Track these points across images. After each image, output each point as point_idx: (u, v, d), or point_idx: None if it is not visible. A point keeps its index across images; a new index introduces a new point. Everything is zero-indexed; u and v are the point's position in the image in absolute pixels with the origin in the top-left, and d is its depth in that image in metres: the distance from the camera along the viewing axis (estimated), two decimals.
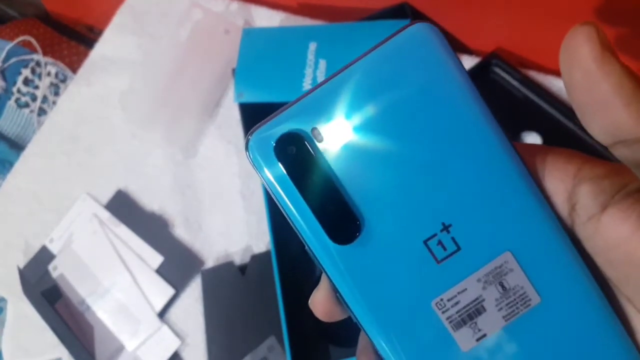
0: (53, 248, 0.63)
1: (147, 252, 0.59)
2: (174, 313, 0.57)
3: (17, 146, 0.85)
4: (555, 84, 0.53)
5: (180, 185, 0.62)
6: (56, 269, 0.61)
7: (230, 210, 0.59)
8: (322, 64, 0.55)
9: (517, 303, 0.16)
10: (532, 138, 0.52)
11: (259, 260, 0.55)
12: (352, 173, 0.16)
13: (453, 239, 0.16)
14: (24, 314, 0.60)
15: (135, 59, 0.70)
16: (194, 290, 0.57)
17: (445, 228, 0.16)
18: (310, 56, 0.56)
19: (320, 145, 0.16)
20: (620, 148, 0.14)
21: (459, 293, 0.16)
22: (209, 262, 0.57)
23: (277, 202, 0.16)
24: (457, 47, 0.59)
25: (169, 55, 0.66)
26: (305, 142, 0.16)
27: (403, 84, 0.15)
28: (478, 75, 0.55)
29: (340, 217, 0.16)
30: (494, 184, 0.16)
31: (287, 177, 0.16)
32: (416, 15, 0.57)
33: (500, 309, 0.16)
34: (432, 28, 0.16)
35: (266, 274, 0.53)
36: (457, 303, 0.16)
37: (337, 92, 0.16)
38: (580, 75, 0.13)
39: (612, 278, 0.16)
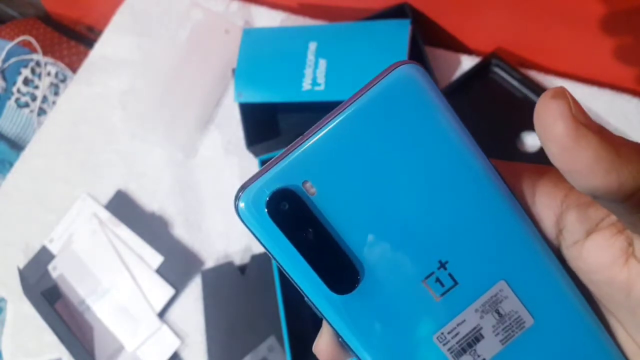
0: (53, 248, 0.63)
1: (147, 252, 0.59)
2: (174, 313, 0.57)
3: (17, 146, 0.85)
4: (555, 84, 0.53)
5: (180, 185, 0.62)
6: (56, 269, 0.61)
7: (230, 210, 0.58)
8: (322, 64, 0.55)
9: (513, 326, 0.17)
10: (532, 138, 0.52)
11: (259, 260, 0.55)
12: (346, 223, 0.16)
13: (450, 275, 0.17)
14: (24, 314, 0.60)
15: (135, 59, 0.70)
16: (194, 290, 0.57)
17: (442, 265, 0.16)
18: (310, 56, 0.56)
19: (312, 199, 0.16)
20: (602, 202, 0.14)
21: (458, 325, 0.17)
22: (209, 262, 0.57)
23: (273, 259, 0.16)
24: (457, 47, 0.59)
25: (169, 55, 0.66)
26: (298, 197, 0.16)
27: (390, 131, 0.16)
28: (478, 75, 0.55)
29: (339, 268, 0.16)
30: (485, 218, 0.16)
31: (281, 234, 0.16)
32: (416, 15, 0.57)
33: (497, 334, 0.17)
34: (417, 70, 0.16)
35: (266, 274, 0.53)
36: (457, 334, 0.17)
37: (326, 144, 0.16)
38: (557, 149, 0.14)
39: (594, 294, 0.17)
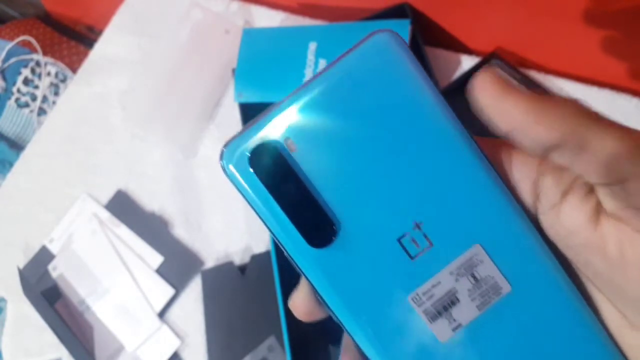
0: (53, 248, 0.63)
1: (147, 252, 0.59)
2: (174, 313, 0.57)
3: (17, 146, 0.85)
4: (556, 84, 0.53)
5: (180, 185, 0.62)
6: (56, 269, 0.61)
7: (230, 210, 0.59)
8: (322, 63, 0.55)
9: (489, 292, 0.17)
10: None
11: (259, 260, 0.55)
12: (325, 179, 0.17)
13: (425, 235, 0.17)
14: (24, 314, 0.60)
15: (135, 59, 0.70)
16: (194, 290, 0.57)
17: (417, 226, 0.17)
18: (310, 56, 0.56)
19: (293, 155, 0.17)
20: (552, 157, 0.15)
21: (433, 286, 0.17)
22: (209, 262, 0.57)
23: (254, 211, 0.17)
24: (457, 47, 0.59)
25: (169, 55, 0.66)
26: (279, 153, 0.16)
27: (368, 93, 0.16)
28: None
29: (316, 221, 0.17)
30: (461, 181, 0.17)
31: (262, 187, 0.17)
32: (416, 15, 0.57)
33: (474, 299, 0.17)
34: (393, 36, 0.17)
35: (266, 274, 0.53)
36: (432, 296, 0.17)
37: (308, 104, 0.16)
38: (492, 112, 0.16)
39: (573, 261, 0.17)
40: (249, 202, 0.17)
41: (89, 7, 0.89)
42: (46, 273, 0.61)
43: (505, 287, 0.17)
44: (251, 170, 0.16)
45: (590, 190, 0.16)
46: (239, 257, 0.57)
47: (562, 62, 0.54)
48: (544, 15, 0.49)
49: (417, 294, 0.17)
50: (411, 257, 0.17)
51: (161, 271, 0.58)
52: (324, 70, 0.17)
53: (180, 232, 0.60)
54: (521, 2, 0.49)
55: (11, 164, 0.71)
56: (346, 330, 0.17)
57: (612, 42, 0.48)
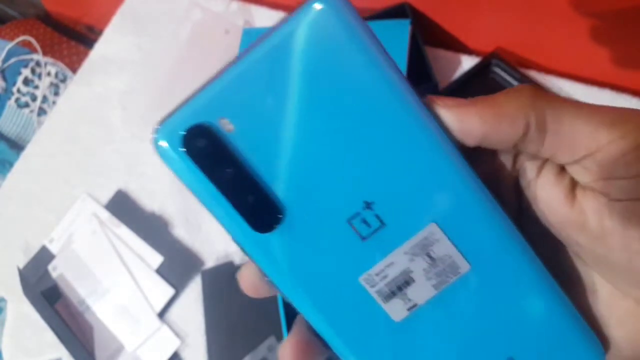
0: (53, 248, 0.63)
1: (147, 252, 0.59)
2: (174, 313, 0.57)
3: (17, 146, 0.85)
4: (555, 84, 0.53)
5: (180, 185, 0.61)
6: (56, 269, 0.61)
7: None
8: None
9: (447, 272, 0.16)
10: None
11: None
12: (266, 160, 0.15)
13: (376, 215, 0.16)
14: (24, 314, 0.60)
15: (135, 59, 0.70)
16: (194, 290, 0.57)
17: (368, 205, 0.16)
18: None
19: (229, 136, 0.15)
20: (522, 149, 0.16)
21: (386, 267, 0.16)
22: (209, 262, 0.57)
23: (194, 196, 0.16)
24: (457, 47, 0.59)
25: (169, 56, 0.66)
26: (214, 134, 0.15)
27: (309, 64, 0.15)
28: (478, 75, 0.55)
29: (259, 206, 0.16)
30: (414, 157, 0.16)
31: (199, 171, 0.15)
32: (416, 15, 0.57)
33: (430, 278, 0.16)
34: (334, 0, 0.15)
35: None
36: (385, 277, 0.16)
37: (242, 79, 0.15)
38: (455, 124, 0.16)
39: (560, 239, 0.17)
40: (187, 187, 0.16)
41: (89, 7, 0.89)
42: (46, 273, 0.61)
43: (464, 266, 0.16)
44: (185, 154, 0.15)
45: (563, 168, 0.16)
46: (239, 257, 0.57)
47: (562, 62, 0.54)
48: (544, 15, 0.49)
49: (370, 275, 0.16)
50: (362, 238, 0.16)
51: (161, 271, 0.58)
52: (260, 39, 0.15)
53: (180, 232, 0.60)
54: (521, 2, 0.49)
55: (11, 164, 0.71)
56: (296, 309, 0.17)
57: (612, 42, 0.48)
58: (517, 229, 0.16)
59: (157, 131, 0.15)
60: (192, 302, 0.57)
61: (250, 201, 0.16)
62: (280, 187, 0.16)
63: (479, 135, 0.15)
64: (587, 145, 0.15)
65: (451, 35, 0.59)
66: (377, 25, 0.55)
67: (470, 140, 0.16)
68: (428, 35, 0.57)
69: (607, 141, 0.14)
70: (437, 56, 0.58)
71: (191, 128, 0.15)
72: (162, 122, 0.15)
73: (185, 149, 0.15)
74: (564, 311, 0.17)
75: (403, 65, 0.51)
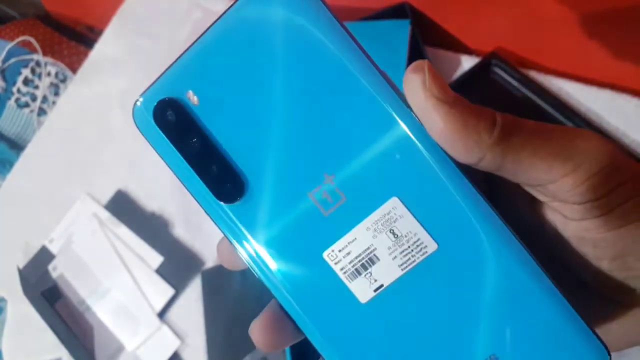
0: (53, 248, 0.63)
1: (147, 252, 0.59)
2: (174, 313, 0.57)
3: (17, 146, 0.85)
4: (555, 84, 0.53)
5: (180, 185, 0.62)
6: (56, 269, 0.61)
7: None
8: None
9: (413, 251, 0.16)
10: None
11: None
12: (230, 132, 0.16)
13: (337, 189, 0.16)
14: (24, 314, 0.60)
15: (136, 59, 0.70)
16: (194, 290, 0.57)
17: (329, 179, 0.16)
18: None
19: (195, 108, 0.16)
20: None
21: (349, 243, 0.16)
22: (209, 262, 0.57)
23: (168, 167, 0.17)
24: (457, 47, 0.59)
25: (169, 55, 0.66)
26: (181, 107, 0.16)
27: (269, 37, 0.15)
28: (478, 75, 0.55)
29: (223, 177, 0.16)
30: (373, 130, 0.15)
31: (168, 142, 0.16)
32: (416, 15, 0.57)
33: (395, 257, 0.16)
34: None
35: None
36: (348, 253, 0.16)
37: (206, 53, 0.16)
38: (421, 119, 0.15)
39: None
40: (161, 158, 0.17)
41: (89, 7, 0.89)
42: (46, 273, 0.61)
43: (431, 246, 0.15)
44: (156, 126, 0.16)
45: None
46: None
47: (562, 63, 0.54)
48: (544, 15, 0.49)
49: (333, 251, 0.16)
50: (324, 212, 0.16)
51: (161, 271, 0.58)
52: (223, 14, 0.15)
53: (180, 232, 0.60)
54: (521, 3, 0.49)
55: (11, 164, 0.71)
56: (264, 283, 0.17)
57: (611, 42, 0.48)
58: (493, 209, 0.15)
59: (134, 105, 0.17)
60: (192, 302, 0.57)
61: (215, 172, 0.16)
62: (243, 159, 0.16)
63: (438, 139, 0.15)
64: (542, 179, 0.15)
65: (451, 35, 0.59)
66: (377, 25, 0.55)
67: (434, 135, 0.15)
68: (428, 35, 0.57)
69: (561, 175, 0.15)
70: (437, 56, 0.58)
71: (160, 101, 0.16)
72: (140, 95, 0.17)
73: (155, 121, 0.16)
74: (551, 300, 0.15)
75: (403, 66, 0.51)
